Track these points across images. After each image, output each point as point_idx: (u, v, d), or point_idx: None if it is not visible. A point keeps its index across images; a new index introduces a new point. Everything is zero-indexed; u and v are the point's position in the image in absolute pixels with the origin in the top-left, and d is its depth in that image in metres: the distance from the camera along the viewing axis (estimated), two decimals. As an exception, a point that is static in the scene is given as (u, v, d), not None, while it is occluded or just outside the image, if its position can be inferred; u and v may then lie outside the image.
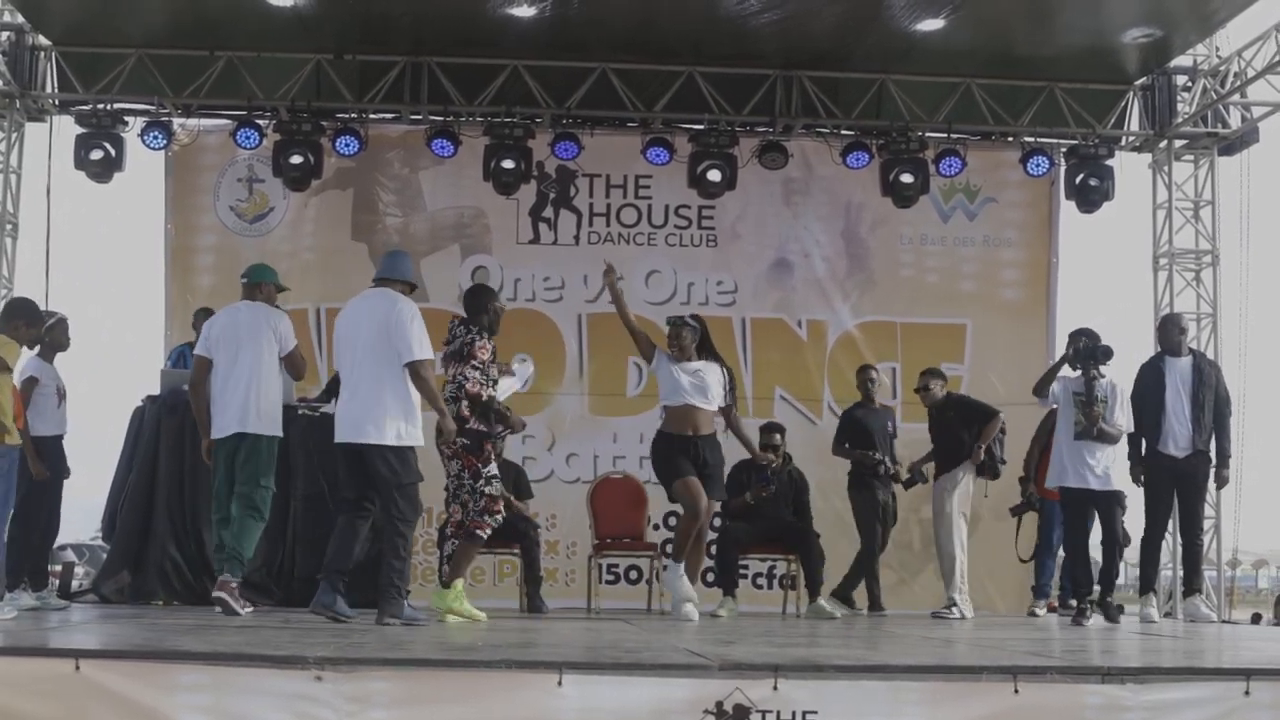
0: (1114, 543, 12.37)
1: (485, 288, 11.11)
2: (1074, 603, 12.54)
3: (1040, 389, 12.37)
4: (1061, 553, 13.52)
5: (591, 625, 10.83)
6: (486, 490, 10.17)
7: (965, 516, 13.40)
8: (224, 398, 10.64)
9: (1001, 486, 14.15)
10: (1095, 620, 12.01)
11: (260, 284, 11.11)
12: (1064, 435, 12.23)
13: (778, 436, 13.77)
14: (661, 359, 11.77)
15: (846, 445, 13.82)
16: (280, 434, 10.87)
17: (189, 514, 12.13)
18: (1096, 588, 12.40)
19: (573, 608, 13.89)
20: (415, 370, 9.62)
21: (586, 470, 15.64)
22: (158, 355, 15.39)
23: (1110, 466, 12.25)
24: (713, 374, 11.72)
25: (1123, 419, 12.27)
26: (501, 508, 10.30)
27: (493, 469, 10.27)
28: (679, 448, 11.57)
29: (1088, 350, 12.12)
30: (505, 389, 10.72)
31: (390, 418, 9.60)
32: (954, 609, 13.04)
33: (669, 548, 15.30)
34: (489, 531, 10.24)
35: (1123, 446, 12.45)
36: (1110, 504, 12.30)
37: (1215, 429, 12.72)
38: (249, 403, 10.61)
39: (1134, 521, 13.07)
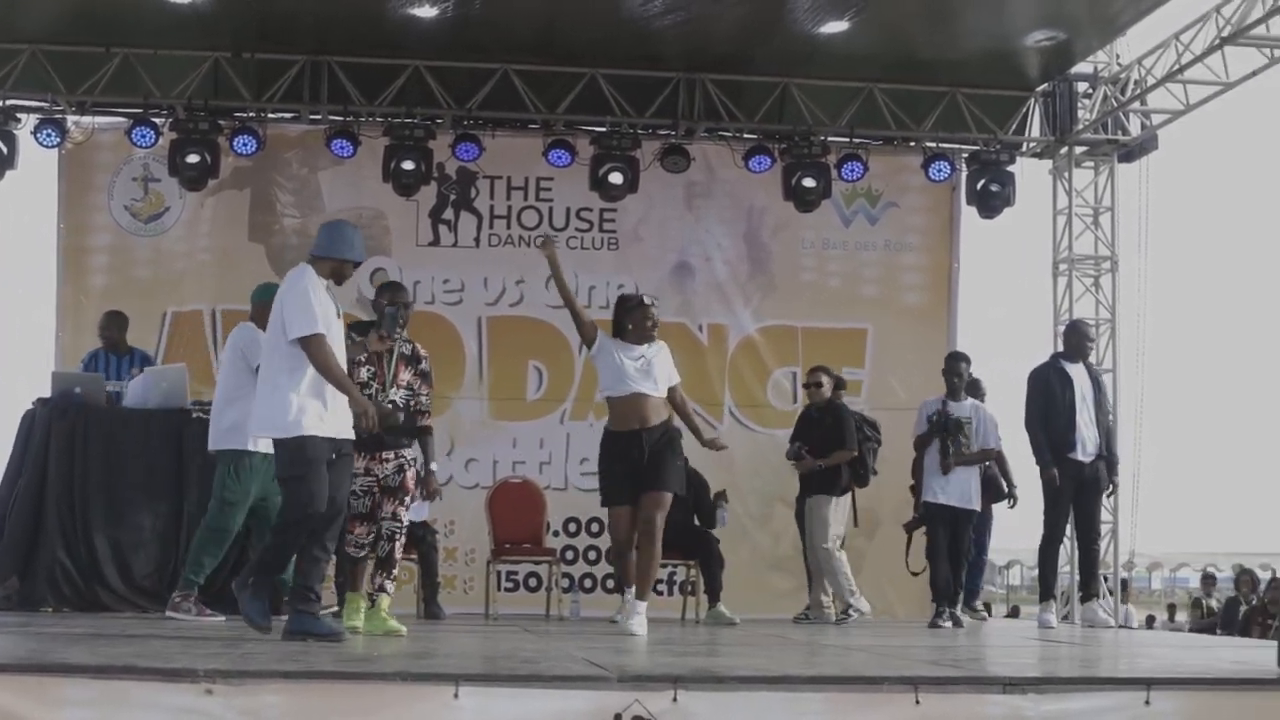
0: (961, 557, 13.14)
1: (382, 285, 10.53)
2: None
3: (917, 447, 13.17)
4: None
5: (489, 633, 10.74)
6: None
7: (840, 535, 13.46)
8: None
9: (894, 492, 14.19)
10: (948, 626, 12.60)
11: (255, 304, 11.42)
12: (931, 457, 12.92)
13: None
14: (606, 343, 10.71)
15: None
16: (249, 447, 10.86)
17: (80, 519, 11.91)
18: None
19: (471, 614, 13.79)
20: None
21: (485, 476, 15.52)
22: (48, 357, 15.18)
23: (969, 485, 12.96)
24: (661, 355, 10.65)
25: (993, 439, 13.16)
26: (359, 529, 9.69)
27: (354, 484, 9.49)
28: (620, 453, 10.49)
29: (940, 424, 12.85)
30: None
31: None
32: (853, 611, 13.05)
33: (569, 554, 15.38)
34: (355, 553, 9.79)
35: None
36: (964, 522, 12.99)
37: (1107, 436, 12.85)
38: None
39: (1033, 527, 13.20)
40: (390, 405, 9.67)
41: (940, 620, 12.63)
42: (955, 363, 13.28)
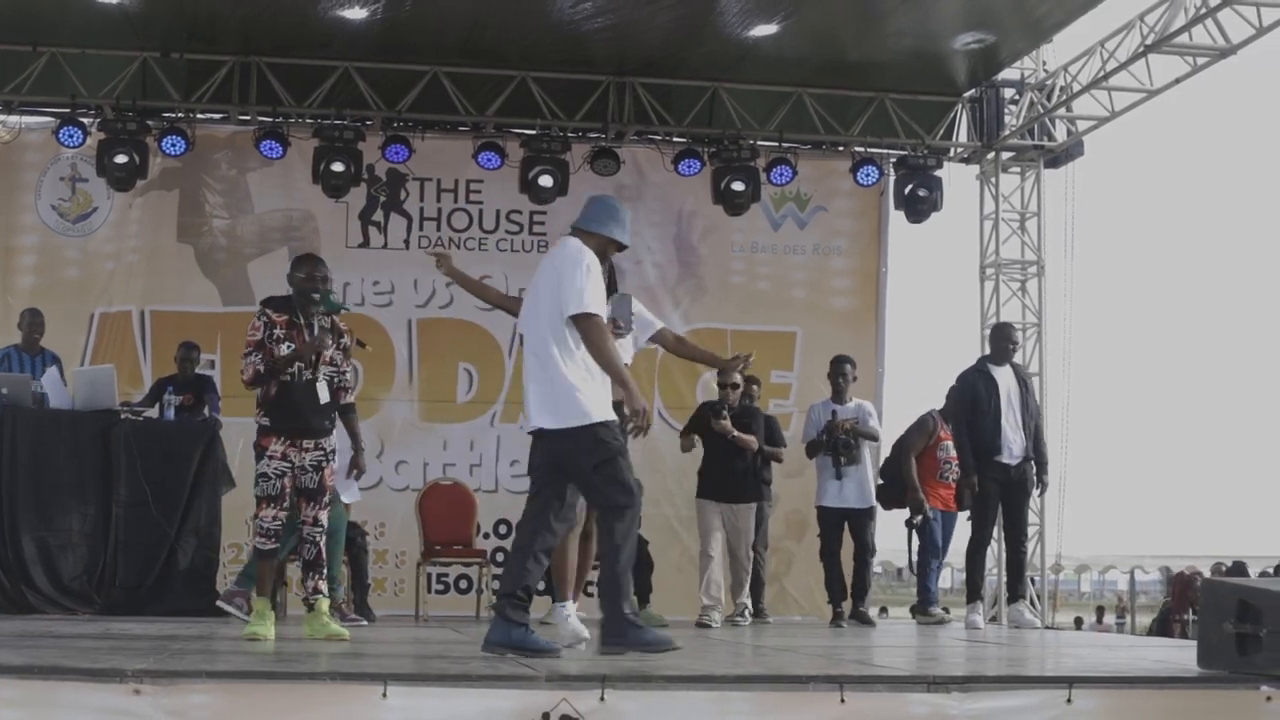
0: (866, 555, 13.52)
1: (299, 259, 9.89)
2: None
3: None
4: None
5: (419, 634, 10.74)
6: (255, 492, 9.26)
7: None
8: None
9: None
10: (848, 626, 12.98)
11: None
12: (823, 463, 13.38)
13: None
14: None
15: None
16: None
17: (7, 520, 11.84)
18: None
19: (401, 615, 13.77)
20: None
21: (416, 478, 15.50)
22: (-25, 357, 15.07)
23: (864, 483, 13.39)
24: (623, 306, 9.37)
25: (874, 425, 13.64)
26: (265, 511, 9.09)
27: (264, 466, 9.14)
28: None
29: (831, 439, 13.22)
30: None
31: None
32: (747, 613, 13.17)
33: (499, 555, 15.36)
34: (264, 543, 9.18)
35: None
36: (863, 519, 13.37)
37: (1034, 436, 12.94)
38: None
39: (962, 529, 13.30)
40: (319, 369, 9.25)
41: (841, 621, 13.04)
42: (841, 365, 13.63)
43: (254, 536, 9.27)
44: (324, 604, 9.36)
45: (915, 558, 13.74)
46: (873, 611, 14.46)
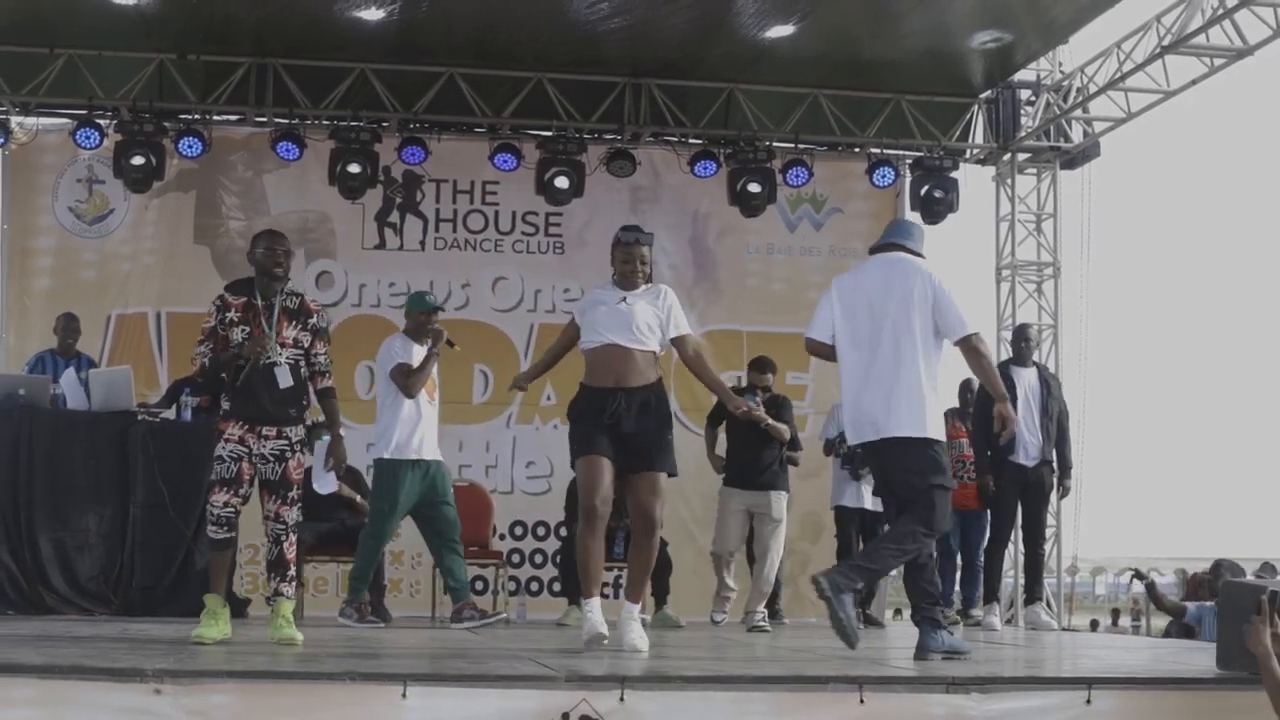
0: None
1: (257, 235, 9.31)
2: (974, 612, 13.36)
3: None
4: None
5: (436, 635, 10.73)
6: (210, 477, 8.76)
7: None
8: None
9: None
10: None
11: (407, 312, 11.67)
12: (837, 463, 13.48)
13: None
14: (581, 304, 9.22)
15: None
16: (389, 455, 11.35)
17: (24, 521, 11.85)
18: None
19: (418, 617, 13.77)
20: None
21: (432, 478, 15.50)
22: (-8, 358, 15.12)
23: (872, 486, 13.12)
24: (651, 303, 8.84)
25: None
26: (217, 495, 8.55)
27: (219, 449, 8.60)
28: (593, 408, 8.61)
29: (850, 455, 12.98)
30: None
31: None
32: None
33: (515, 557, 15.38)
34: (215, 531, 8.65)
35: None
36: (879, 521, 12.99)
37: (1058, 439, 12.91)
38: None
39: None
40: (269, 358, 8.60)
41: None
42: None
43: (208, 525, 8.67)
44: (284, 606, 8.70)
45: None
46: (887, 614, 14.44)
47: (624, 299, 8.76)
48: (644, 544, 8.69)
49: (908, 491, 8.23)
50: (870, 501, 13.16)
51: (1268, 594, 6.75)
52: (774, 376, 12.98)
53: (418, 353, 11.37)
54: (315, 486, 10.59)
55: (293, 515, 8.73)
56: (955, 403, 13.48)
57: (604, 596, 8.91)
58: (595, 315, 8.74)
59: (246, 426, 8.59)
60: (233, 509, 8.59)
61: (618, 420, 8.50)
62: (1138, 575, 14.17)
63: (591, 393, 8.65)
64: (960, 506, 13.32)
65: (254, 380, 8.59)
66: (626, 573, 9.07)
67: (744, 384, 13.20)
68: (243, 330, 8.64)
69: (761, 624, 12.20)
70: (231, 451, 8.56)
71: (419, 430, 11.38)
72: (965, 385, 13.40)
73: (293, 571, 8.84)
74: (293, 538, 8.76)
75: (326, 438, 9.95)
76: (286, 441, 8.67)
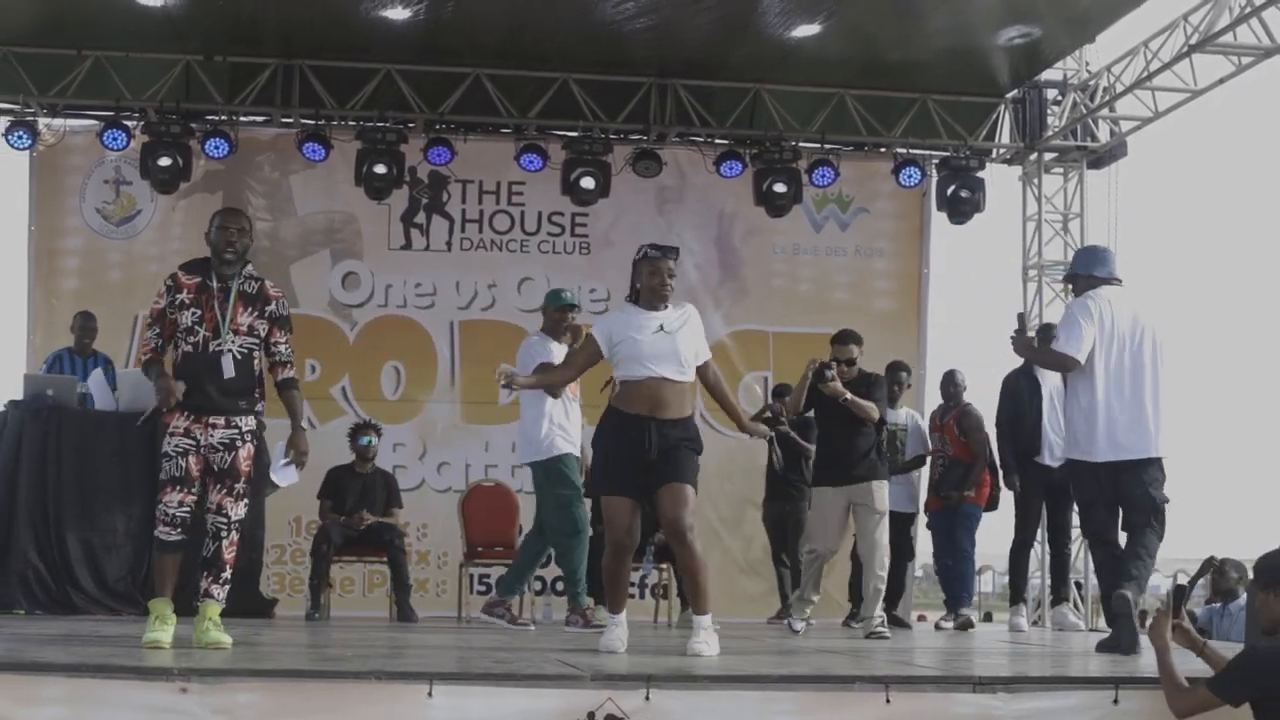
0: (903, 558, 13.44)
1: (215, 213, 8.72)
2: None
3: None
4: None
5: (462, 635, 10.75)
6: (159, 475, 8.18)
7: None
8: None
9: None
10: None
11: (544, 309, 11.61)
12: None
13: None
14: (614, 323, 8.66)
15: None
16: (544, 457, 11.12)
17: (52, 521, 11.91)
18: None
19: (444, 617, 13.79)
20: None
21: (458, 479, 15.54)
22: (20, 359, 15.16)
23: (910, 486, 13.44)
24: (688, 324, 8.58)
25: (921, 447, 13.58)
26: (170, 495, 8.02)
27: (165, 445, 8.10)
28: (623, 435, 8.45)
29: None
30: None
31: None
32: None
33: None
34: (167, 533, 8.08)
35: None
36: (903, 522, 13.29)
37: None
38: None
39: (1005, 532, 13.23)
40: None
41: (855, 621, 12.76)
42: (896, 372, 13.55)
43: (156, 526, 8.08)
44: (211, 608, 8.07)
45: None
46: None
47: (661, 326, 8.47)
48: (681, 553, 8.55)
49: (1149, 504, 8.97)
50: (896, 503, 12.97)
51: (1172, 587, 6.86)
52: (860, 350, 11.35)
53: (556, 350, 11.20)
54: (275, 479, 10.27)
55: (238, 510, 8.17)
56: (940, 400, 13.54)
57: (629, 596, 8.93)
58: (637, 347, 8.43)
59: (192, 417, 8.06)
60: (187, 508, 8.06)
61: (649, 447, 8.37)
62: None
63: (623, 419, 8.47)
64: (937, 506, 13.40)
65: (198, 368, 8.05)
66: (691, 587, 8.70)
67: (770, 385, 13.19)
68: (194, 314, 8.08)
69: (880, 630, 10.79)
70: (177, 446, 8.04)
71: (568, 426, 11.15)
72: (948, 378, 13.52)
73: (228, 573, 8.22)
74: (234, 536, 8.19)
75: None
76: (236, 430, 8.13)
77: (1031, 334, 10.82)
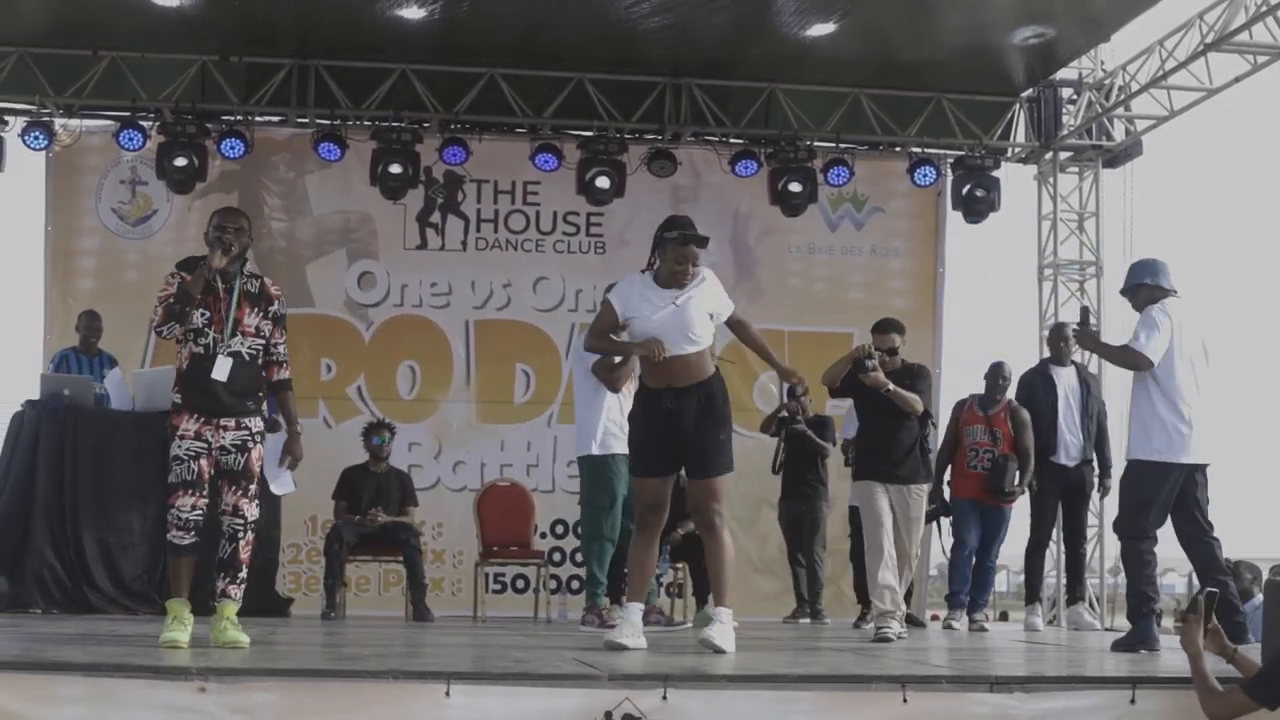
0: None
1: (214, 212, 8.67)
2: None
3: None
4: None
5: (478, 634, 10.75)
6: (169, 478, 8.09)
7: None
8: None
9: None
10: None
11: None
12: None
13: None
14: (629, 293, 8.65)
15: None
16: (598, 451, 10.92)
17: (69, 520, 11.93)
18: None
19: (459, 616, 13.80)
20: None
21: (473, 478, 15.57)
22: (37, 359, 15.17)
23: None
24: (699, 296, 8.57)
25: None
26: (182, 500, 7.94)
27: (176, 448, 8.02)
28: (650, 415, 8.48)
29: None
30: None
31: None
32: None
33: (556, 556, 15.36)
34: (180, 537, 7.99)
35: None
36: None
37: (1097, 439, 12.86)
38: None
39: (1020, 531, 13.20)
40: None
41: (865, 621, 12.62)
42: None
43: (169, 530, 7.99)
44: (228, 608, 8.05)
45: (947, 555, 13.23)
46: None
47: (674, 301, 8.45)
48: (709, 545, 8.49)
49: (1206, 505, 9.23)
50: None
51: (1204, 592, 6.84)
52: (902, 339, 10.71)
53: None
54: (272, 487, 10.09)
55: (253, 511, 8.11)
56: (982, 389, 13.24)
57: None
58: (647, 325, 8.43)
59: (202, 420, 7.99)
60: (200, 511, 7.98)
61: (670, 420, 8.34)
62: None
63: (647, 395, 8.53)
64: (972, 497, 12.97)
65: (208, 369, 7.98)
66: (711, 575, 8.66)
67: (787, 387, 13.13)
68: (203, 315, 8.02)
69: (888, 632, 9.98)
70: (189, 449, 7.96)
71: (625, 424, 10.77)
72: (995, 370, 13.23)
73: (244, 573, 8.17)
74: (249, 536, 8.12)
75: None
76: (247, 431, 8.07)
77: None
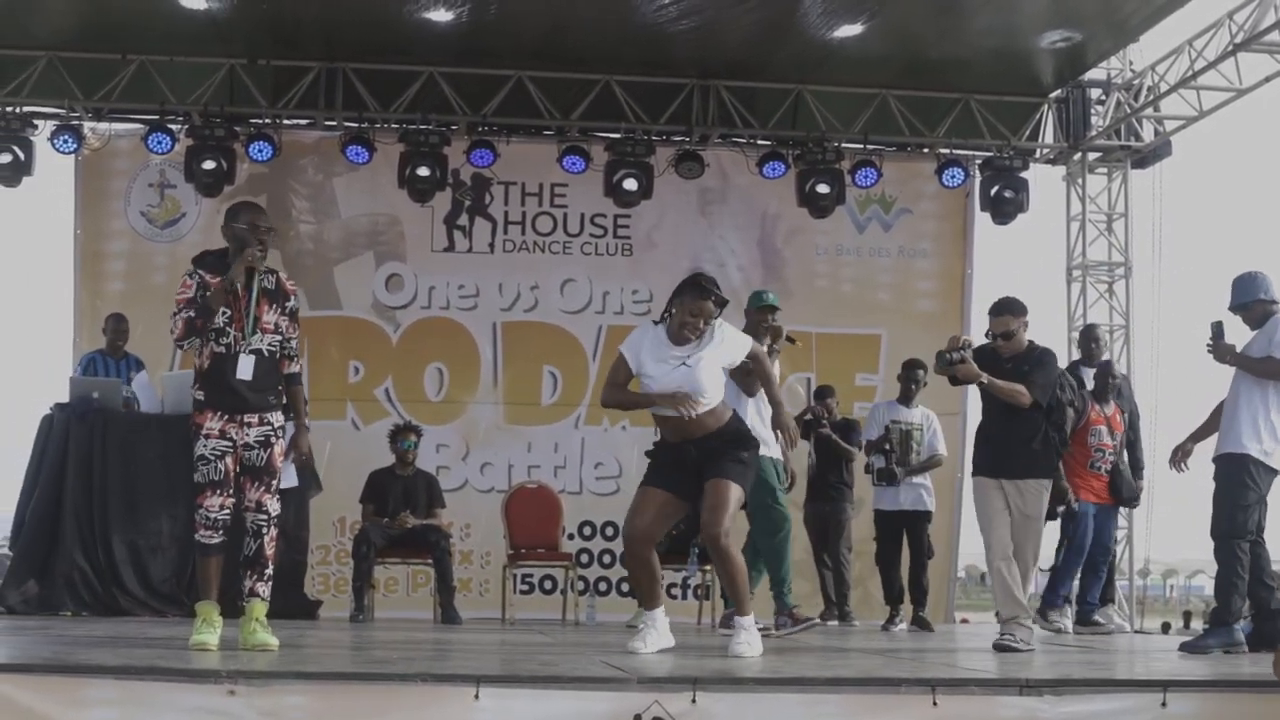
0: (923, 559, 13.16)
1: (231, 207, 8.63)
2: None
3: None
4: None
5: (507, 637, 10.75)
6: (195, 478, 8.08)
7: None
8: None
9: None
10: (902, 629, 12.81)
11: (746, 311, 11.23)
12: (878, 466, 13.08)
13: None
14: (635, 348, 8.34)
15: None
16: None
17: (98, 523, 11.97)
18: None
19: (487, 618, 13.80)
20: None
21: (501, 480, 15.58)
22: (66, 362, 15.21)
23: (921, 487, 13.12)
24: (712, 351, 8.26)
25: (940, 446, 13.24)
26: (210, 499, 7.97)
27: (201, 447, 8.03)
28: (671, 455, 8.37)
29: (881, 440, 13.00)
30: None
31: None
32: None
33: (584, 557, 15.37)
34: (209, 536, 8.01)
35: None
36: (920, 523, 13.08)
37: (1129, 441, 12.81)
38: None
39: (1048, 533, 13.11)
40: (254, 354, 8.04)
41: (893, 624, 12.87)
42: (913, 369, 13.30)
43: (197, 530, 8.01)
44: (258, 608, 8.06)
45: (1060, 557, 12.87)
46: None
47: (684, 361, 8.19)
48: (718, 565, 8.53)
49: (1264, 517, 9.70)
50: (911, 503, 13.05)
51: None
52: (1018, 321, 9.76)
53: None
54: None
55: (276, 506, 8.13)
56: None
57: (671, 597, 8.80)
58: (657, 384, 8.22)
59: (226, 418, 8.00)
60: (228, 511, 8.00)
61: (699, 454, 8.21)
62: None
63: (668, 446, 8.40)
64: (1095, 499, 12.82)
65: (231, 369, 8.01)
66: (727, 586, 8.71)
67: (813, 386, 13.13)
68: (224, 314, 8.03)
69: (1009, 641, 9.33)
70: (215, 449, 7.98)
71: (761, 430, 10.13)
72: (1104, 369, 13.11)
73: (270, 569, 8.18)
74: (273, 532, 8.15)
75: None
76: (269, 427, 8.08)
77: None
